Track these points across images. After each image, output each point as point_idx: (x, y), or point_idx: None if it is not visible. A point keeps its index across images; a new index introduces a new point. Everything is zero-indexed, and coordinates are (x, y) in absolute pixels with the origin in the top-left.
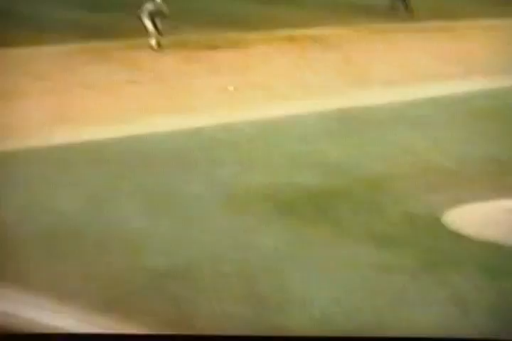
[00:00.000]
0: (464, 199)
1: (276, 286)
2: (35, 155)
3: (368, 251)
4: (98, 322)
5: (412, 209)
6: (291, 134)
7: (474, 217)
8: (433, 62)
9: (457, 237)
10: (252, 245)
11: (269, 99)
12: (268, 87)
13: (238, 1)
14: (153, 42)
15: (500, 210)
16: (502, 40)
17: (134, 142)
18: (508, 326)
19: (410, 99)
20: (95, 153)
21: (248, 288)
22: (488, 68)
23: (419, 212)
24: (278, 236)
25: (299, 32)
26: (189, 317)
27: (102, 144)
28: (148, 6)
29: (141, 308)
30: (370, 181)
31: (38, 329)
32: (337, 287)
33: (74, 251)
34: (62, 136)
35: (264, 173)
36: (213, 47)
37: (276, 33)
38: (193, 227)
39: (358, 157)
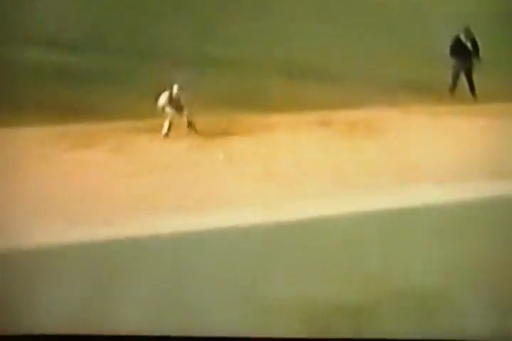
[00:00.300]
0: None
1: None
2: (14, 259)
3: None
4: None
5: (476, 331)
6: (323, 238)
7: None
8: (499, 156)
9: None
10: None
11: (297, 196)
12: (296, 181)
13: (258, 75)
14: (165, 128)
15: None
16: None
17: (132, 244)
18: None
19: (471, 199)
20: (83, 258)
21: None
22: None
23: (485, 335)
24: None
25: (334, 114)
26: None
27: (92, 246)
28: (165, 96)
29: None
30: (418, 295)
31: None
32: None
33: None
34: (44, 236)
35: (289, 283)
36: (229, 132)
37: (306, 115)
38: None
39: (406, 266)
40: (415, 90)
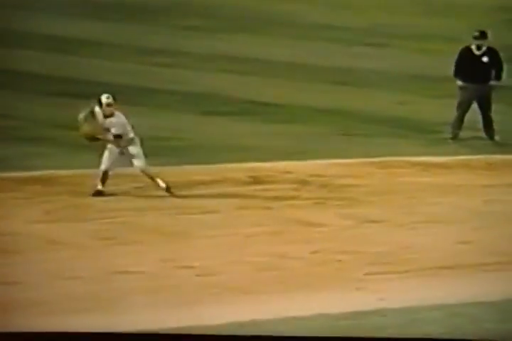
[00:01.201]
0: None
1: None
2: None
3: None
4: None
5: None
6: None
7: None
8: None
9: None
10: None
11: (240, 295)
12: (233, 279)
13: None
14: (99, 186)
15: None
16: None
17: None
18: None
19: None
20: None
21: None
22: None
23: None
24: None
25: (273, 167)
26: None
27: None
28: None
29: None
30: None
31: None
32: None
33: None
34: None
35: None
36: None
37: (236, 168)
38: None
39: None
40: (396, 130)
